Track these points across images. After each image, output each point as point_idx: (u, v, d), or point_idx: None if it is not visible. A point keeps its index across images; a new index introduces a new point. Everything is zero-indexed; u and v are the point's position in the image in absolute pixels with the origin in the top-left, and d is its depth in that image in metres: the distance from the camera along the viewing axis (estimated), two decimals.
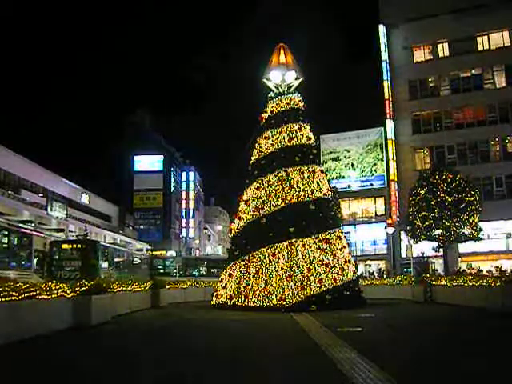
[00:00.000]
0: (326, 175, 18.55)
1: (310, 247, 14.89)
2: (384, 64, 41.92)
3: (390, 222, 37.41)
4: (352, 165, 44.36)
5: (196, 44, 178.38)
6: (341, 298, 14.36)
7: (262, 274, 14.71)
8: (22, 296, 8.30)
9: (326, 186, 16.88)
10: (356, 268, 17.71)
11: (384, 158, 42.58)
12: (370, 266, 42.17)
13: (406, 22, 40.98)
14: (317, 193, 16.12)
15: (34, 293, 8.71)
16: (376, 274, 36.27)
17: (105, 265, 24.50)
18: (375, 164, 43.47)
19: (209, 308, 16.08)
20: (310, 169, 16.53)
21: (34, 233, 22.54)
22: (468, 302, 14.57)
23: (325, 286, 14.29)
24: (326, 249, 15.08)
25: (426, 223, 27.79)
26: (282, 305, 13.91)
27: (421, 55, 42.09)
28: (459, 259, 36.13)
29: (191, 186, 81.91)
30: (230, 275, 15.87)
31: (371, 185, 43.26)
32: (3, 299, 7.77)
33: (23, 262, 20.58)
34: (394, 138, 41.26)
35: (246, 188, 16.99)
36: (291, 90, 17.96)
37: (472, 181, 28.72)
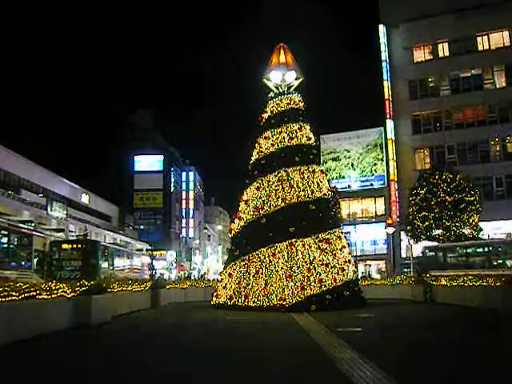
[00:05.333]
0: (326, 175, 18.54)
1: (310, 247, 14.89)
2: (384, 64, 41.94)
3: (389, 222, 37.41)
4: (352, 165, 44.39)
5: (196, 44, 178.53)
6: (341, 298, 14.34)
7: (262, 273, 14.71)
8: (22, 296, 8.31)
9: (326, 186, 16.88)
10: (356, 268, 17.70)
11: (384, 158, 42.59)
12: (370, 265, 42.18)
13: (406, 22, 41.01)
14: (317, 193, 16.12)
15: (34, 293, 8.72)
16: (376, 274, 36.19)
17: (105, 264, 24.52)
18: (375, 164, 43.49)
19: (209, 308, 16.08)
20: (310, 169, 16.53)
21: (34, 233, 22.53)
22: (468, 301, 14.57)
23: (325, 286, 14.28)
24: (326, 249, 15.07)
25: (426, 223, 27.81)
26: (281, 305, 13.91)
27: (421, 55, 42.11)
28: None
29: (191, 185, 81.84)
30: (230, 275, 15.87)
31: (371, 185, 43.27)
32: (3, 299, 7.77)
33: (23, 262, 20.57)
34: (393, 138, 41.28)
35: (246, 188, 16.99)
36: (291, 89, 17.96)
37: (472, 181, 28.73)
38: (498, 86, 38.83)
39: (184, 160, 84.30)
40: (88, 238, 28.81)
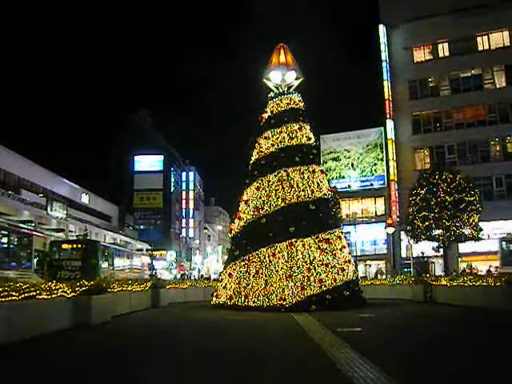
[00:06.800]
0: (326, 175, 18.54)
1: (310, 247, 14.89)
2: (384, 64, 41.94)
3: (390, 222, 37.41)
4: (352, 165, 44.39)
5: (197, 44, 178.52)
6: (341, 298, 14.35)
7: (262, 273, 14.71)
8: (22, 296, 8.30)
9: (326, 186, 16.88)
10: (356, 268, 17.69)
11: (384, 158, 42.59)
12: (370, 266, 42.18)
13: (406, 22, 41.01)
14: (317, 193, 16.12)
15: (34, 293, 8.71)
16: (376, 274, 36.08)
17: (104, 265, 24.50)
18: (375, 164, 43.49)
19: (209, 308, 16.08)
20: (310, 169, 16.53)
21: (34, 233, 22.53)
22: (468, 302, 14.58)
23: (325, 285, 14.29)
24: (326, 249, 15.07)
25: (426, 223, 27.79)
26: (282, 305, 13.90)
27: (421, 55, 42.11)
28: (459, 259, 36.15)
29: (191, 186, 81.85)
30: (230, 275, 15.87)
31: (371, 185, 43.28)
32: (3, 299, 7.77)
33: (23, 262, 20.57)
34: (393, 138, 41.28)
35: (246, 188, 17.00)
36: (291, 89, 17.96)
37: (472, 181, 28.72)
38: (498, 86, 38.83)
39: (184, 160, 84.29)
40: (88, 237, 28.82)
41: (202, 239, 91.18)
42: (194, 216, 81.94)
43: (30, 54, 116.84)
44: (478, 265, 32.92)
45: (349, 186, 43.82)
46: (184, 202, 79.75)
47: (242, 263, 15.43)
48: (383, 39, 42.32)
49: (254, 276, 14.84)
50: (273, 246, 14.89)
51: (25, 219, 28.02)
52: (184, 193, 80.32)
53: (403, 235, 35.39)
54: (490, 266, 29.94)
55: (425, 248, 32.24)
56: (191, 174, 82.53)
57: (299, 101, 17.77)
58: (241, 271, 15.35)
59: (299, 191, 15.83)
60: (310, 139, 17.28)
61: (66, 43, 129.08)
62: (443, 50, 41.11)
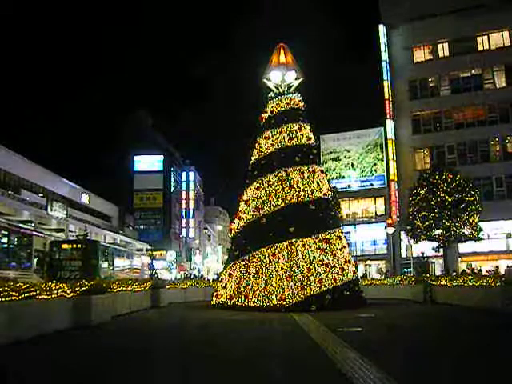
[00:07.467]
0: (326, 175, 18.56)
1: (310, 247, 14.89)
2: (384, 64, 41.90)
3: (390, 222, 37.38)
4: (352, 165, 44.37)
5: (197, 44, 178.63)
6: (341, 298, 14.36)
7: (262, 274, 14.72)
8: (22, 296, 8.31)
9: (326, 186, 16.89)
10: (356, 268, 17.70)
11: (384, 158, 42.57)
12: (370, 266, 42.17)
13: (406, 22, 40.98)
14: (317, 193, 16.13)
15: (34, 293, 8.72)
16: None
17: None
18: (375, 164, 43.47)
19: (209, 308, 16.09)
20: (310, 169, 16.55)
21: (34, 233, 22.54)
22: (468, 302, 14.58)
23: (325, 285, 14.29)
24: (326, 249, 15.09)
25: (426, 223, 27.78)
26: (281, 305, 13.92)
27: (421, 55, 42.07)
28: (459, 259, 36.13)
29: (191, 186, 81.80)
30: (230, 275, 15.88)
31: (371, 185, 43.26)
32: (3, 299, 7.78)
33: (23, 262, 20.58)
34: (394, 138, 41.25)
35: (246, 188, 17.01)
36: (291, 89, 17.98)
37: (472, 181, 28.70)
38: (497, 86, 38.78)
39: (184, 160, 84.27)
40: (88, 237, 28.82)
41: (202, 239, 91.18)
42: (194, 216, 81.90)
43: (30, 53, 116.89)
44: (479, 265, 32.91)
45: (349, 186, 43.80)
46: (184, 201, 79.70)
47: (242, 263, 15.43)
48: (383, 39, 42.28)
49: (254, 276, 14.85)
50: (273, 246, 14.90)
51: (25, 219, 28.03)
52: (184, 193, 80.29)
53: (403, 235, 35.37)
54: (492, 266, 29.94)
55: (425, 248, 32.24)
56: (191, 174, 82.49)
57: (299, 101, 17.78)
58: (241, 271, 15.36)
59: (299, 191, 15.84)
60: (309, 139, 17.29)
61: (66, 43, 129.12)
62: (443, 49, 41.06)
